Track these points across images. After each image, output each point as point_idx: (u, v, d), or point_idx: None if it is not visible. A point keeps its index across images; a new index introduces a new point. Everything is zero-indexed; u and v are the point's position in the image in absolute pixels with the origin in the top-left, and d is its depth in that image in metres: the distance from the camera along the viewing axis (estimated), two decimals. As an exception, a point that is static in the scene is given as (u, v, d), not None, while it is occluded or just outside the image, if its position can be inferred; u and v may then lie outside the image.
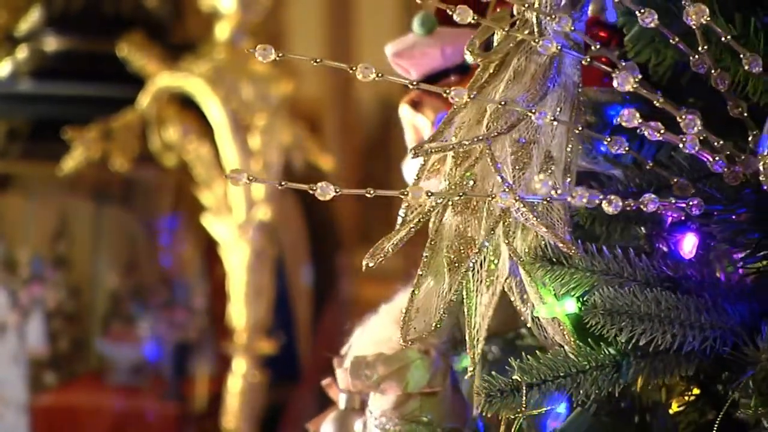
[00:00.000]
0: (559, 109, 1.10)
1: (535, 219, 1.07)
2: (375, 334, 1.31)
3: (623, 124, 1.03)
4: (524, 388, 1.06)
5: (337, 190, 1.03)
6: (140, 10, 3.37)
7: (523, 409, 1.06)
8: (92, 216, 3.23)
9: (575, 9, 1.10)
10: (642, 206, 1.03)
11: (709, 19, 1.04)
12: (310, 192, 1.02)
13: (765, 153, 0.98)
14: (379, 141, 4.11)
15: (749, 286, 1.07)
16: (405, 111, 1.42)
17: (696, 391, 1.15)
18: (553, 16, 1.08)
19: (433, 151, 1.12)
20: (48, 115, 3.21)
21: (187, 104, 3.14)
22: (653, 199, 1.02)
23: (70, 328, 3.15)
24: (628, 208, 1.05)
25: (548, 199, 1.05)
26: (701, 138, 1.05)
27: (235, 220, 3.02)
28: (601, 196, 1.03)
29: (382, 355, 1.26)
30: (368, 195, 1.03)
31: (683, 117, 1.06)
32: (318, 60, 1.05)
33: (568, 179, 1.11)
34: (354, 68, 1.04)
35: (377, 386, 1.26)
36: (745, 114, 1.10)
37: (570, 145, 1.11)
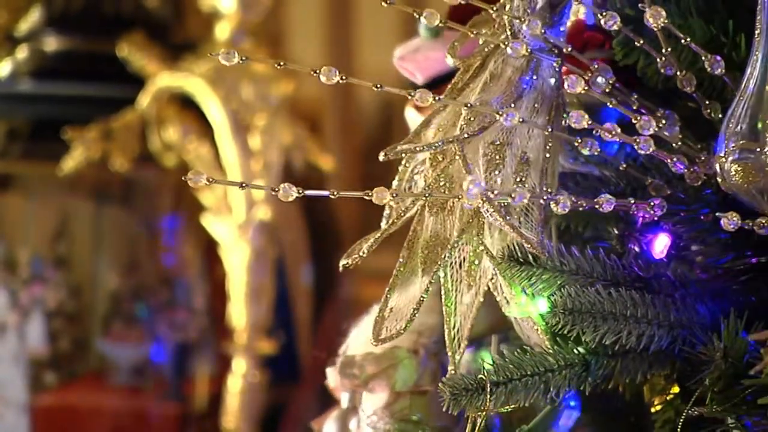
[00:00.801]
0: (535, 111, 1.11)
1: (502, 219, 1.09)
2: (367, 334, 1.31)
3: (572, 125, 1.04)
4: (488, 386, 1.06)
5: (300, 192, 1.03)
6: (140, 10, 3.37)
7: (487, 407, 1.06)
8: (92, 216, 3.23)
9: (554, 12, 1.10)
10: (597, 206, 1.04)
11: (666, 21, 1.05)
12: (273, 194, 1.03)
13: (721, 154, 0.98)
14: (379, 141, 4.11)
15: (722, 285, 1.07)
16: (411, 113, 1.42)
17: (675, 389, 1.16)
18: (523, 19, 1.10)
19: (403, 152, 1.13)
20: (48, 115, 3.21)
21: (187, 104, 3.14)
22: (609, 200, 1.03)
23: (71, 328, 3.15)
24: (580, 209, 1.06)
25: (512, 197, 1.06)
26: (680, 138, 1.06)
27: (235, 220, 3.02)
28: (563, 196, 1.04)
29: (371, 354, 1.27)
30: (332, 196, 1.03)
31: (657, 117, 1.07)
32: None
33: (545, 181, 1.12)
34: (317, 71, 1.05)
35: (365, 385, 1.27)
36: (720, 115, 1.10)
37: (548, 148, 1.12)
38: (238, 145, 3.02)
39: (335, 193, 1.03)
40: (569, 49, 1.11)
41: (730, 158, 0.97)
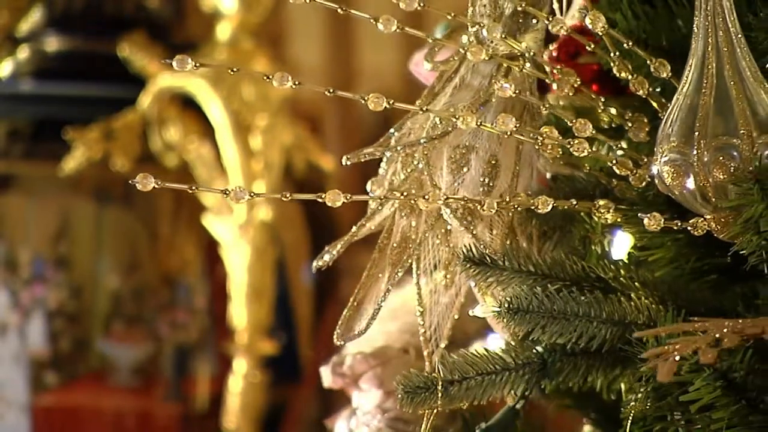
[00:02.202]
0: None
1: (457, 221, 1.11)
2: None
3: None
4: (439, 384, 1.07)
5: (253, 194, 1.03)
6: (141, 10, 3.38)
7: (438, 405, 1.07)
8: (93, 216, 3.23)
9: (526, 19, 1.11)
10: (535, 207, 1.05)
11: (606, 26, 1.06)
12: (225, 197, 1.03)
13: (656, 156, 0.99)
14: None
15: (679, 284, 1.07)
16: None
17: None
18: (482, 25, 1.11)
19: (365, 156, 1.15)
20: (49, 115, 3.21)
21: (188, 104, 3.14)
22: (547, 202, 1.03)
23: (72, 328, 3.15)
24: (482, 210, 1.08)
25: (465, 200, 1.07)
26: (619, 144, 1.07)
27: (235, 220, 3.02)
28: (521, 198, 1.05)
29: (361, 353, 1.28)
30: (284, 199, 1.03)
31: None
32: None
33: (515, 184, 1.14)
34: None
35: (355, 384, 1.27)
36: (643, 132, 1.11)
37: (519, 150, 1.13)
38: (239, 146, 3.03)
39: (286, 195, 1.03)
40: (531, 54, 1.12)
41: (662, 161, 0.98)
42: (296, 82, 1.05)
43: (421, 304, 1.17)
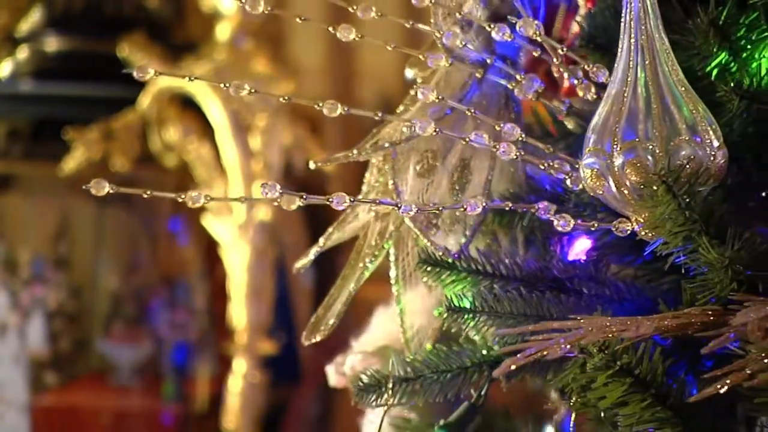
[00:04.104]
0: (478, 120, 1.13)
1: (413, 224, 1.14)
2: (369, 334, 1.34)
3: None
4: (390, 383, 1.09)
5: (208, 198, 1.04)
6: (141, 10, 3.38)
7: (389, 403, 1.09)
8: (93, 216, 3.23)
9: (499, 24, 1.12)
10: (463, 208, 1.06)
11: (539, 32, 1.07)
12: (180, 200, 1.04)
13: (582, 159, 1.00)
14: (380, 141, 4.10)
15: (636, 287, 1.08)
16: None
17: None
18: (440, 33, 1.12)
19: (331, 161, 1.18)
20: (49, 115, 3.21)
21: (187, 105, 3.14)
22: (473, 204, 1.04)
23: (71, 328, 3.15)
24: (458, 213, 1.10)
25: (400, 207, 1.08)
26: (548, 147, 1.08)
27: (235, 220, 3.02)
28: (478, 200, 1.06)
29: (363, 352, 1.29)
30: (240, 202, 1.04)
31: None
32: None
33: (488, 188, 1.16)
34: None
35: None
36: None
37: (494, 153, 1.14)
38: (239, 146, 3.03)
39: (244, 199, 1.04)
40: (492, 58, 1.14)
41: (584, 163, 0.99)
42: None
43: (399, 305, 1.19)
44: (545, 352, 0.88)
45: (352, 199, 1.03)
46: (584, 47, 1.12)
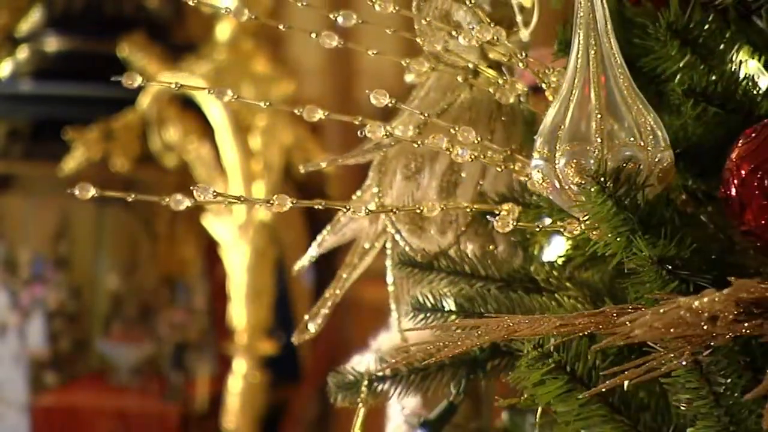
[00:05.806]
0: (471, 123, 1.15)
1: (393, 226, 1.16)
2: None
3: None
4: (366, 380, 1.11)
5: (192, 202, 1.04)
6: (141, 10, 3.38)
7: (365, 400, 1.11)
8: (93, 216, 3.23)
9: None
10: (421, 210, 1.06)
11: (499, 37, 1.08)
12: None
13: (531, 160, 1.00)
14: (380, 141, 4.10)
15: (605, 282, 1.08)
16: None
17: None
18: (423, 38, 1.14)
19: (324, 164, 1.22)
20: (49, 115, 3.21)
21: (187, 105, 3.14)
22: (432, 207, 1.05)
23: (71, 328, 3.15)
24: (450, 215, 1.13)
25: (393, 208, 1.10)
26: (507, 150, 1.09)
27: (235, 220, 3.02)
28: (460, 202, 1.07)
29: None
30: (239, 202, 1.05)
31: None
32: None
33: (478, 189, 1.17)
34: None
35: None
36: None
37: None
38: (239, 146, 3.03)
39: (243, 199, 1.05)
40: (482, 62, 1.15)
41: (532, 164, 1.00)
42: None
43: (396, 309, 1.21)
44: (447, 351, 0.90)
45: (323, 203, 1.04)
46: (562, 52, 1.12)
